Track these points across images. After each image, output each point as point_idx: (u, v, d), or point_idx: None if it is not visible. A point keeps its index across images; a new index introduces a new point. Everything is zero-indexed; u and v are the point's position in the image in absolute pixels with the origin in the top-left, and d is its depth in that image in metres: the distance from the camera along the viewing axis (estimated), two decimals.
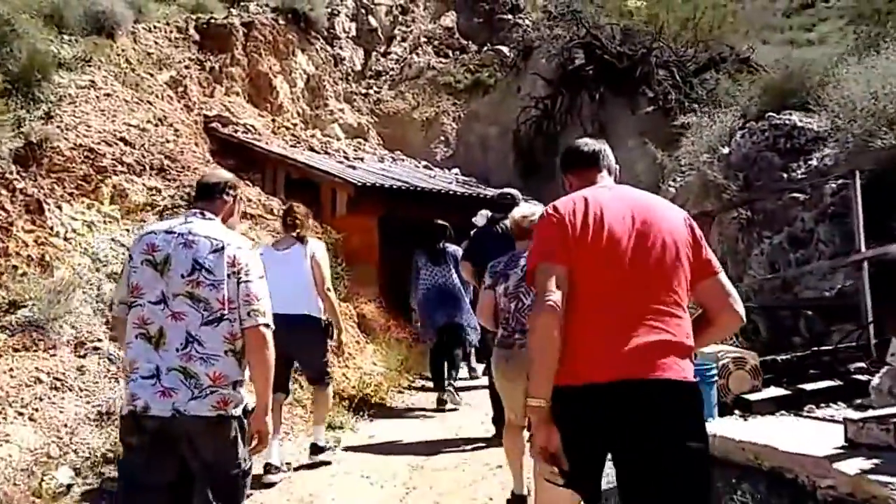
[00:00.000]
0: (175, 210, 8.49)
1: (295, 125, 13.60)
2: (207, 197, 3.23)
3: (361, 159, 12.48)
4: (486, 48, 16.24)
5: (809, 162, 7.12)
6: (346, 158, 12.20)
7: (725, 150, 7.92)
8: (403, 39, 16.83)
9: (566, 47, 13.66)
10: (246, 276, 3.01)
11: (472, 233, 6.73)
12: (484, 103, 15.05)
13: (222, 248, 3.02)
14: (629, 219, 2.51)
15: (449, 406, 7.49)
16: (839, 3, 26.71)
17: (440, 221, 8.20)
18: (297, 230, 5.55)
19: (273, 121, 13.21)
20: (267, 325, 3.02)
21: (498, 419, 5.86)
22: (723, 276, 2.60)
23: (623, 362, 2.34)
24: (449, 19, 17.29)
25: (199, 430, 2.88)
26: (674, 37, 13.46)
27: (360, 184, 10.44)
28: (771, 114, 7.61)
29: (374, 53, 16.24)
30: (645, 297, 2.42)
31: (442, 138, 14.98)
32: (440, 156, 14.74)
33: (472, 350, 8.83)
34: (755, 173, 7.40)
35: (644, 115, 12.44)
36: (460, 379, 8.07)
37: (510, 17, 16.91)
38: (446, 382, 7.59)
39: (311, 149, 12.48)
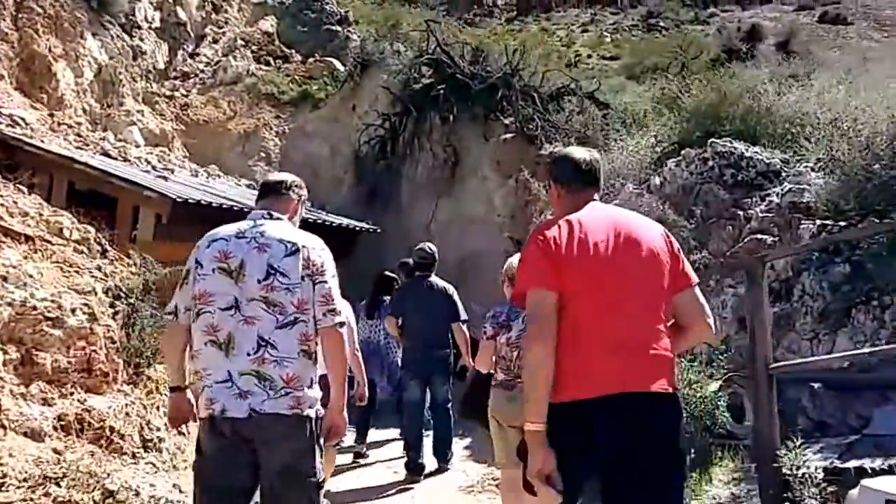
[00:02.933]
0: None
1: (80, 124, 10.51)
2: (273, 195, 3.05)
3: (172, 171, 9.75)
4: (313, 59, 14.07)
5: (768, 198, 5.82)
6: (154, 169, 9.42)
7: (657, 181, 6.47)
8: (215, 41, 14.18)
9: (413, 63, 11.89)
10: (321, 276, 2.87)
11: (397, 286, 6.73)
12: (313, 119, 12.82)
13: (297, 250, 2.85)
14: (613, 238, 2.50)
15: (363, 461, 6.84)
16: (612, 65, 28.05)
17: (389, 273, 7.35)
18: None
19: (51, 115, 10.05)
20: (342, 324, 2.90)
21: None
22: (697, 289, 2.61)
23: (620, 376, 2.37)
24: (268, 24, 14.91)
25: (275, 431, 2.73)
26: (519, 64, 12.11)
27: (179, 199, 7.82)
28: (714, 140, 6.30)
29: (180, 52, 13.44)
30: (634, 313, 2.45)
31: (262, 154, 12.51)
32: (261, 175, 12.20)
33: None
34: (704, 210, 6.00)
35: (502, 142, 10.94)
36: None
37: (339, 28, 14.90)
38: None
39: (105, 154, 9.54)
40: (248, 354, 2.74)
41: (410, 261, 8.05)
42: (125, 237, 8.56)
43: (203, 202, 8.04)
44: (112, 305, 5.15)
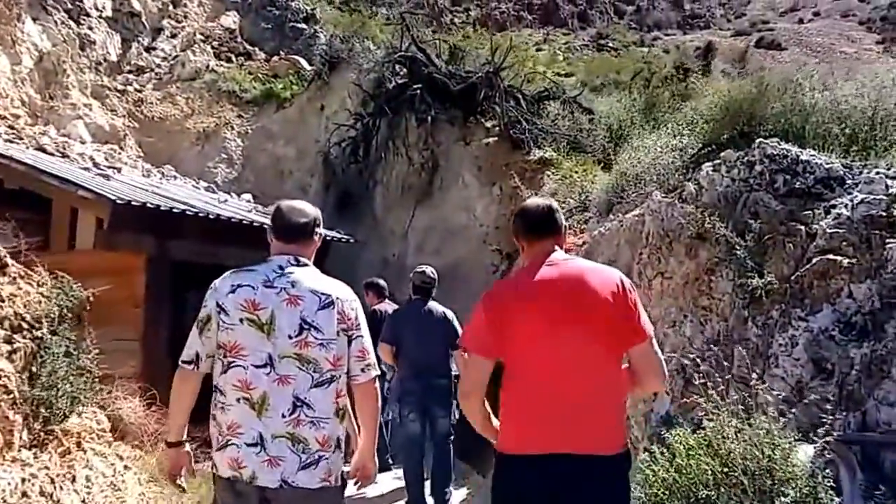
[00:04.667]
0: None
1: (18, 116, 8.77)
2: (299, 238, 2.63)
3: (118, 169, 8.07)
4: (278, 57, 12.48)
5: (835, 210, 4.52)
6: (96, 166, 7.74)
7: (692, 188, 5.14)
8: (173, 35, 12.47)
9: (386, 60, 10.40)
10: (357, 330, 2.59)
11: (393, 310, 5.97)
12: (278, 119, 11.23)
13: (331, 302, 2.53)
14: (558, 297, 2.39)
15: None
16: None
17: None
18: None
19: None
20: (377, 377, 2.68)
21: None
22: (651, 343, 2.46)
23: (554, 437, 2.31)
24: (230, 20, 13.25)
25: (300, 500, 2.50)
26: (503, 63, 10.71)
27: (120, 201, 6.20)
28: (763, 141, 4.98)
29: (135, 44, 11.71)
30: (571, 374, 2.35)
31: (224, 156, 10.88)
32: (221, 177, 10.63)
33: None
34: (754, 223, 4.67)
35: (484, 146, 9.54)
36: None
37: (304, 26, 13.34)
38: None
39: (41, 149, 7.82)
40: (283, 416, 2.47)
41: (380, 280, 6.83)
42: (63, 245, 6.94)
43: (150, 205, 6.42)
44: (9, 341, 3.55)
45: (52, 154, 7.72)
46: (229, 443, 2.47)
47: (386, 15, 16.09)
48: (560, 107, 10.31)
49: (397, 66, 10.43)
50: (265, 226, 7.53)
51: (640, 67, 19.88)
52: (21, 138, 7.96)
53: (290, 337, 2.46)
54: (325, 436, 2.49)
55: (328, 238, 8.62)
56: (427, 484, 5.49)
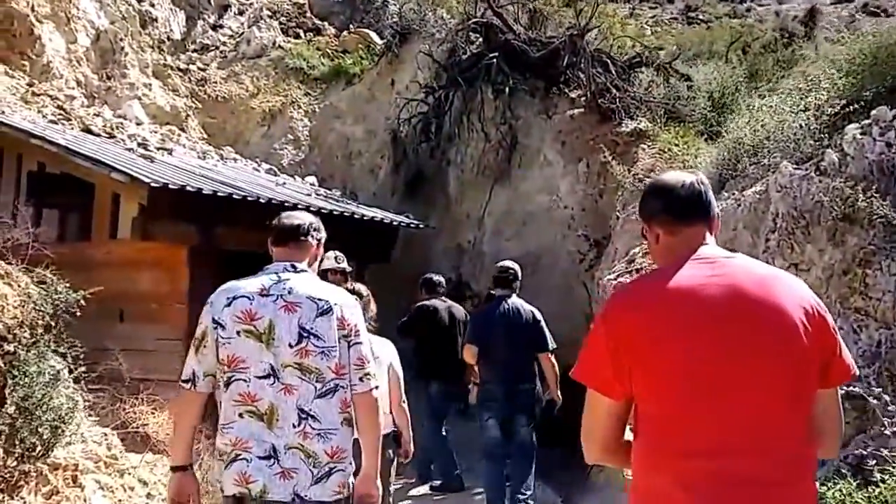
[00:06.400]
0: None
1: (73, 97, 8.27)
2: (290, 241, 2.51)
3: (170, 151, 7.42)
4: (347, 31, 11.68)
5: None
6: (145, 147, 7.09)
7: (833, 157, 3.93)
8: (241, 13, 11.84)
9: (460, 28, 9.38)
10: (356, 337, 2.46)
11: (485, 309, 5.39)
12: (346, 97, 10.38)
13: (329, 309, 2.40)
14: (723, 314, 1.55)
15: None
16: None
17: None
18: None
19: (30, 85, 7.85)
20: (377, 388, 2.50)
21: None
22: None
23: None
24: None
25: None
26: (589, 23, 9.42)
27: (156, 185, 5.48)
28: None
29: (200, 21, 11.13)
30: (753, 434, 1.52)
31: (290, 136, 10.15)
32: (288, 159, 9.91)
33: None
34: None
35: (568, 118, 8.42)
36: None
37: None
38: None
39: (87, 130, 7.25)
40: (294, 426, 2.35)
41: (434, 276, 6.01)
42: (104, 233, 6.34)
43: (189, 188, 5.67)
44: None
45: (97, 135, 7.13)
46: (238, 457, 2.34)
47: None
48: (654, 73, 9.07)
49: (472, 35, 9.39)
50: (322, 210, 6.63)
51: (737, 34, 18.11)
52: (69, 119, 7.42)
53: (291, 346, 2.35)
54: (333, 447, 2.38)
55: (396, 223, 7.74)
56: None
